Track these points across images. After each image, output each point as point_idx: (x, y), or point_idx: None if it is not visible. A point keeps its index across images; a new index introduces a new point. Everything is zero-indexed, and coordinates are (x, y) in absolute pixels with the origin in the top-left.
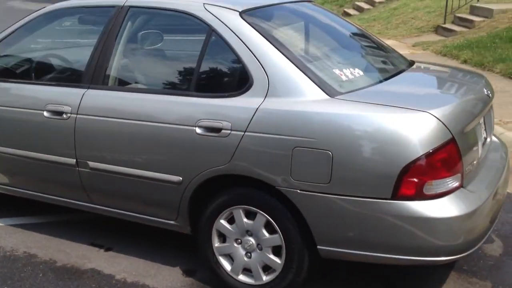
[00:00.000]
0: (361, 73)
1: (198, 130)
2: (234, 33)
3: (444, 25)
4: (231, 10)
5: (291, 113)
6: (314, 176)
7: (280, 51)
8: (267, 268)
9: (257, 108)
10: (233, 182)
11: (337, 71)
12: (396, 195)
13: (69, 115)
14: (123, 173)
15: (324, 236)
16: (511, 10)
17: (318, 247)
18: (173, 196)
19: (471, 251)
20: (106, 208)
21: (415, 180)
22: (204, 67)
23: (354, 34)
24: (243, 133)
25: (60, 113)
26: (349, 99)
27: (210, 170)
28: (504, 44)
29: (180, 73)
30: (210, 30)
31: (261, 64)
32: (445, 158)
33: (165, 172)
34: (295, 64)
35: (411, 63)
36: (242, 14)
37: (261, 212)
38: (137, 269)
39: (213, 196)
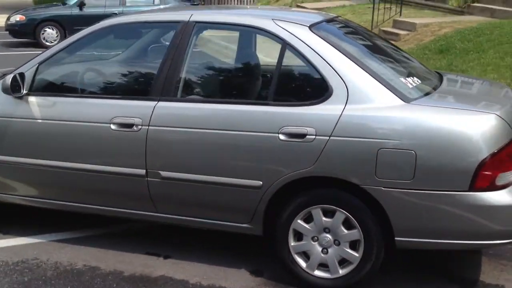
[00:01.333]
0: (419, 81)
1: (281, 137)
2: (308, 46)
3: None
4: (301, 25)
5: (374, 118)
6: (398, 174)
7: (353, 62)
8: (342, 262)
9: (341, 114)
10: (313, 184)
11: (403, 80)
12: (472, 187)
13: (140, 127)
14: (198, 181)
15: (403, 228)
16: (432, 24)
17: (396, 238)
18: (251, 200)
19: None
20: (173, 216)
21: (489, 173)
22: (282, 78)
23: (388, 46)
24: (328, 137)
25: (129, 126)
26: (423, 104)
27: (292, 173)
28: (434, 55)
29: (255, 83)
30: (284, 44)
31: (338, 74)
32: (507, 155)
33: (245, 177)
34: (369, 74)
35: (439, 73)
36: (310, 28)
37: (340, 210)
38: (205, 273)
39: (291, 198)
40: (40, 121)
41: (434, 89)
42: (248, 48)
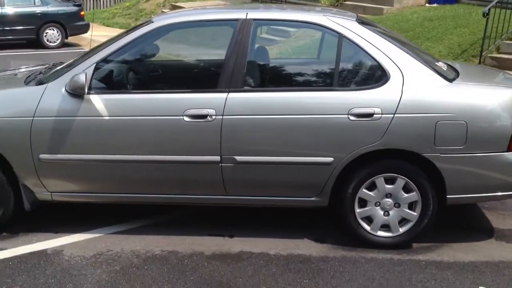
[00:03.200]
0: (445, 66)
1: (351, 117)
2: (361, 37)
3: None
4: (350, 20)
5: (430, 96)
6: (453, 142)
7: (402, 50)
8: (401, 221)
9: (401, 95)
10: (377, 157)
11: (438, 64)
12: (509, 148)
13: (214, 117)
14: (273, 162)
15: (455, 187)
16: None
17: (448, 196)
18: (322, 175)
19: None
20: (243, 197)
21: None
22: (343, 65)
23: (405, 39)
24: (393, 115)
25: (203, 116)
26: (463, 83)
27: (361, 148)
28: None
29: (320, 71)
30: (341, 37)
31: (392, 60)
32: None
33: (318, 155)
34: (415, 59)
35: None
36: (357, 21)
37: (401, 176)
38: (276, 245)
39: (357, 170)
40: (108, 118)
41: (459, 72)
42: (305, 42)
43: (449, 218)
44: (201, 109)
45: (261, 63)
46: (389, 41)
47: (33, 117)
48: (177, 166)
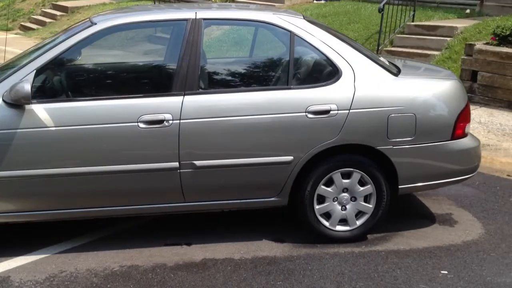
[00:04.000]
0: (387, 61)
1: (309, 115)
2: (310, 34)
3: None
4: (298, 18)
5: (381, 91)
6: (404, 134)
7: (350, 46)
8: (357, 215)
9: (354, 91)
10: (333, 153)
11: (382, 59)
12: (453, 136)
13: (171, 122)
14: (233, 165)
15: (406, 177)
16: None
17: (400, 186)
18: (282, 175)
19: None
20: (201, 203)
21: (462, 124)
22: (296, 63)
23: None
24: (348, 111)
25: (160, 122)
26: (407, 77)
27: (320, 145)
28: None
29: (275, 70)
30: (292, 35)
31: (342, 57)
32: (469, 109)
33: (277, 155)
34: (364, 55)
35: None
36: (305, 19)
37: (357, 170)
38: (238, 249)
39: (315, 167)
40: (55, 128)
41: (396, 66)
42: (257, 41)
43: (392, 207)
44: (157, 114)
45: (214, 63)
46: (337, 38)
47: None
48: (132, 175)
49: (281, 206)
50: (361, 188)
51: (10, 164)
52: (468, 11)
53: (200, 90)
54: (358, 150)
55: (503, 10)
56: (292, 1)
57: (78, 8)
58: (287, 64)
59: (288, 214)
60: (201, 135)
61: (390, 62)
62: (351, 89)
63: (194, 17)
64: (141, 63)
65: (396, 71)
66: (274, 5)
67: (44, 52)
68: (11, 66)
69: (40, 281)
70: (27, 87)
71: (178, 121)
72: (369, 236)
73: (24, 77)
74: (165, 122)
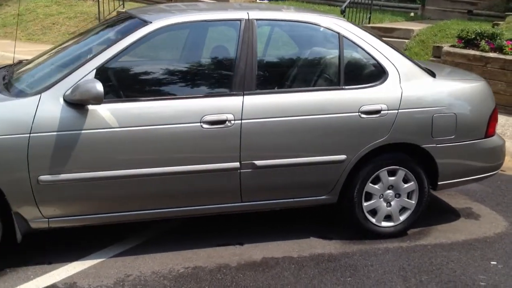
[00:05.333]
0: (421, 63)
1: (362, 115)
2: (359, 36)
3: None
4: (344, 20)
5: (425, 91)
6: (446, 132)
7: (392, 48)
8: (401, 210)
9: (402, 91)
10: (382, 151)
11: (417, 61)
12: (486, 135)
13: (233, 122)
14: (290, 164)
15: (445, 173)
16: None
17: (439, 183)
18: (335, 173)
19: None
20: (257, 203)
21: (493, 123)
22: (346, 64)
23: None
24: (397, 111)
25: (222, 122)
26: (444, 79)
27: (371, 144)
28: None
29: (326, 71)
30: (340, 36)
31: (387, 58)
32: (497, 109)
33: (332, 153)
34: (406, 57)
35: None
36: (350, 21)
37: (402, 168)
38: (293, 248)
39: (365, 165)
40: (120, 129)
41: (428, 69)
42: (307, 42)
43: None
44: (220, 114)
45: (268, 63)
46: (380, 40)
47: (30, 133)
48: (193, 176)
49: (331, 203)
50: (405, 185)
51: (75, 166)
52: (412, 14)
53: (258, 90)
54: (402, 148)
55: (444, 14)
56: (237, 1)
57: (6, 0)
58: (337, 65)
59: (320, 212)
60: (261, 135)
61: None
62: (399, 90)
63: (247, 17)
64: (199, 63)
65: (432, 73)
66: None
67: (102, 51)
68: (47, 65)
69: (110, 285)
70: (99, 87)
71: (240, 121)
72: (408, 231)
73: (84, 77)
74: (227, 122)
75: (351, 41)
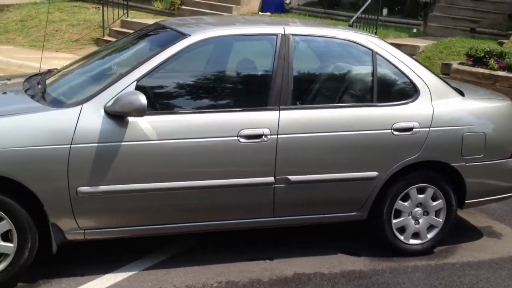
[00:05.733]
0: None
1: (394, 132)
2: (391, 54)
3: (104, 38)
4: (377, 38)
5: (455, 110)
6: (475, 151)
7: (423, 66)
8: (428, 228)
9: (433, 110)
10: (411, 169)
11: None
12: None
13: (269, 136)
14: (323, 180)
15: (472, 192)
16: None
17: (467, 201)
18: (366, 190)
19: None
20: (289, 218)
21: None
22: (380, 82)
23: None
24: (428, 129)
25: (258, 136)
26: (472, 97)
27: (403, 161)
28: None
29: (360, 87)
30: (374, 53)
31: (419, 77)
32: None
33: (364, 170)
34: (436, 76)
35: None
36: (382, 39)
37: (431, 186)
38: (322, 264)
39: (395, 183)
40: (159, 142)
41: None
42: (341, 58)
43: None
44: (256, 129)
45: (303, 79)
46: (411, 57)
47: (71, 144)
48: (228, 190)
49: (360, 220)
50: (434, 203)
51: (113, 178)
52: (415, 30)
53: (293, 105)
54: (432, 166)
55: (446, 31)
56: (240, 11)
57: (8, 6)
58: (371, 82)
59: (345, 228)
60: (296, 150)
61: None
62: (430, 108)
63: (283, 32)
64: (236, 77)
65: (461, 92)
66: (223, 14)
67: (141, 63)
68: (81, 74)
69: None
70: (143, 99)
71: (276, 136)
72: (435, 249)
73: (124, 88)
74: (263, 136)
75: (384, 58)
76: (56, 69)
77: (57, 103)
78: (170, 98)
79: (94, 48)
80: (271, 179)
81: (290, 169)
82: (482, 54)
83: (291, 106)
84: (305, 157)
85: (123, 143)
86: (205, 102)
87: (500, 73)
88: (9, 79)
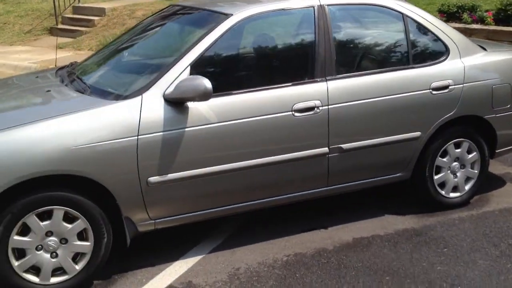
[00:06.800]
0: None
1: (433, 92)
2: (421, 16)
3: (57, 26)
4: (405, 1)
5: (483, 65)
6: (504, 103)
7: (448, 26)
8: (466, 180)
9: (464, 66)
10: (448, 126)
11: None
12: None
13: (321, 108)
14: (372, 145)
15: (502, 142)
16: (119, 8)
17: (497, 150)
18: (410, 151)
19: None
20: (342, 185)
21: None
22: (413, 43)
23: None
24: (462, 85)
25: (311, 109)
26: (494, 51)
27: (442, 119)
28: None
29: (396, 51)
30: (404, 16)
31: (448, 36)
32: None
33: (409, 131)
34: (460, 34)
35: None
36: (408, 2)
37: (466, 140)
38: (373, 226)
39: (434, 140)
40: (222, 124)
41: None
42: (375, 23)
43: None
44: (308, 102)
45: (343, 47)
46: (436, 17)
47: (138, 136)
48: (286, 165)
49: (405, 180)
50: (469, 156)
51: (182, 165)
52: None
53: (338, 75)
54: (466, 121)
55: None
56: None
57: None
58: (405, 44)
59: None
60: (345, 118)
61: None
62: (461, 65)
63: (319, 3)
64: (282, 52)
65: (483, 48)
66: None
67: (190, 47)
68: (119, 62)
69: (225, 280)
70: (208, 83)
71: (327, 107)
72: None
73: (180, 74)
74: (316, 108)
75: (414, 19)
76: (76, 62)
77: (111, 95)
78: (223, 79)
79: (49, 38)
80: (325, 149)
81: (342, 137)
82: (455, 9)
83: (336, 76)
84: (354, 124)
85: (186, 129)
86: (257, 80)
87: (474, 26)
88: (37, 76)
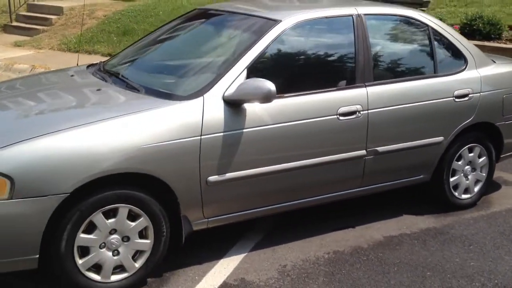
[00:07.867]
0: None
1: (456, 99)
2: (442, 28)
3: (12, 24)
4: (427, 14)
5: (495, 75)
6: (510, 111)
7: (463, 37)
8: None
9: (480, 77)
10: (464, 131)
11: None
12: None
13: (362, 112)
14: (403, 148)
15: (507, 147)
16: (77, 7)
17: (502, 155)
18: (433, 154)
19: None
20: (373, 186)
21: None
22: (438, 53)
23: None
24: (479, 94)
25: (353, 113)
26: (502, 63)
27: (461, 125)
28: (121, 37)
29: (424, 60)
30: (429, 28)
31: (465, 47)
32: None
33: (434, 136)
34: (473, 45)
35: None
36: (431, 15)
37: (478, 145)
38: (397, 226)
39: (452, 145)
40: (272, 126)
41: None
42: (405, 33)
43: None
44: (351, 106)
45: (380, 55)
46: (454, 30)
47: (201, 136)
48: (327, 166)
49: (425, 182)
50: (480, 160)
51: (239, 165)
52: None
53: (376, 81)
54: (479, 127)
55: None
56: None
57: None
58: (432, 54)
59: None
60: (382, 123)
61: None
62: (477, 74)
63: (356, 12)
64: (326, 58)
65: (492, 60)
66: None
67: (245, 51)
68: (166, 62)
69: (277, 277)
70: (271, 86)
71: (367, 111)
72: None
73: (238, 76)
74: (357, 112)
75: (437, 31)
76: (101, 61)
77: (171, 96)
78: (276, 82)
79: (2, 35)
80: (363, 152)
81: (378, 141)
82: None
83: (374, 82)
84: (389, 128)
85: (244, 130)
86: (307, 84)
87: None
88: (72, 75)
